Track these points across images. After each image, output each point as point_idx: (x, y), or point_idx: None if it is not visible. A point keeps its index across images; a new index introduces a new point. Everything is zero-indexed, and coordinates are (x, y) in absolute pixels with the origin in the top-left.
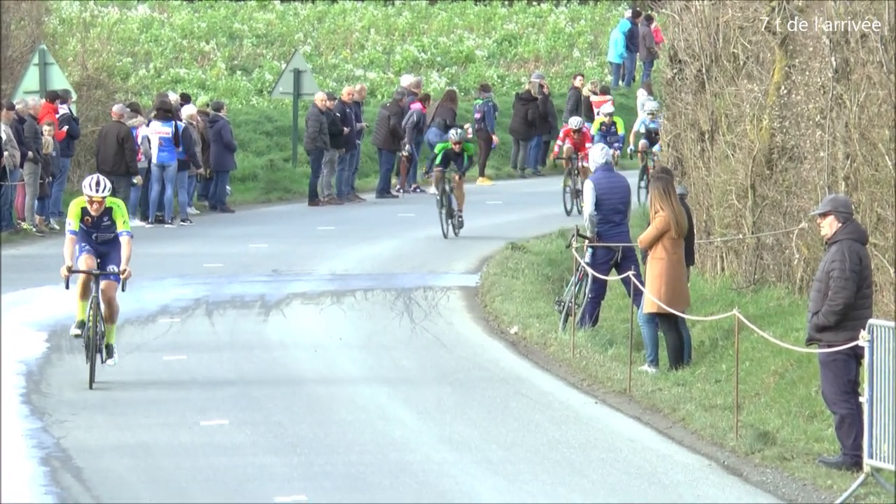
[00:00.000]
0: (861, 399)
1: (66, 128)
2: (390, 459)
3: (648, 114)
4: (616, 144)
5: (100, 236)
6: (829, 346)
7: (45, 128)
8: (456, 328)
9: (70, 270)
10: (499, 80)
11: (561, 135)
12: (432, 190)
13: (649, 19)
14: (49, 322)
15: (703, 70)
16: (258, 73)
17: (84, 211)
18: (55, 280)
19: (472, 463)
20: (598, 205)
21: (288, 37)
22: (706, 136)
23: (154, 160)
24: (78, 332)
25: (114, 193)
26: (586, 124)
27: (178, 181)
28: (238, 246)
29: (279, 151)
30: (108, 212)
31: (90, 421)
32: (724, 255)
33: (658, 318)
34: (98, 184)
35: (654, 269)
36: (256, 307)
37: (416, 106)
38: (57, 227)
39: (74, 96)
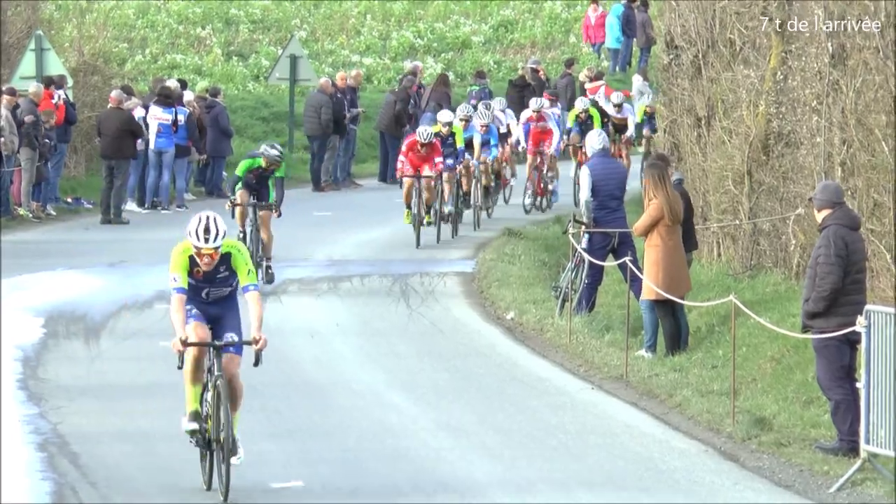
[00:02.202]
0: (858, 385)
1: (61, 101)
2: (387, 445)
3: (462, 120)
4: (449, 162)
5: (213, 292)
6: (822, 333)
7: (43, 116)
8: (453, 314)
9: (185, 344)
10: (495, 66)
11: (403, 148)
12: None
13: (646, 5)
14: (46, 308)
15: (700, 56)
16: (254, 59)
17: (193, 261)
18: (52, 266)
19: (469, 449)
20: (594, 191)
21: (284, 22)
22: (703, 122)
23: (152, 146)
24: (194, 426)
25: (112, 179)
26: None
27: (177, 167)
28: (234, 231)
29: (276, 137)
30: (226, 259)
31: (87, 407)
32: (720, 240)
33: (655, 305)
34: (208, 230)
35: (651, 256)
36: None
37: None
38: (53, 213)
39: (70, 82)
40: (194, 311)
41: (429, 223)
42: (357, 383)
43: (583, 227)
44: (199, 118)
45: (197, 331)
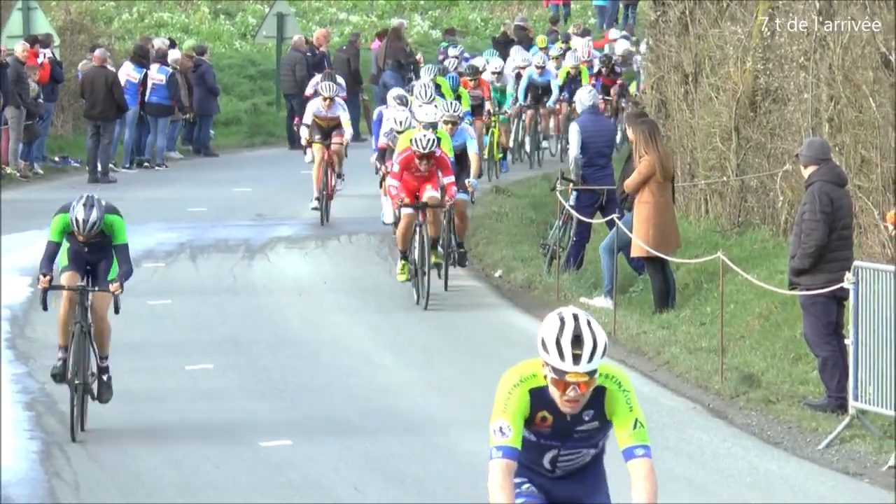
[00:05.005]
0: (846, 341)
1: (46, 59)
2: (376, 404)
3: (447, 122)
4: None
5: (564, 458)
6: (809, 290)
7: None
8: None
9: None
10: (482, 23)
11: (396, 167)
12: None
13: None
14: (33, 267)
15: (687, 12)
16: (242, 17)
17: (539, 399)
18: (39, 225)
19: (458, 407)
20: (583, 148)
21: None
22: (690, 79)
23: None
24: None
25: (98, 138)
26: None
27: (160, 126)
28: (222, 190)
29: (263, 95)
30: (597, 398)
31: None
32: (708, 197)
33: (645, 262)
34: (579, 341)
35: (641, 213)
36: (241, 251)
37: (375, 45)
38: (41, 172)
39: (57, 41)
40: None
41: (436, 264)
42: (345, 341)
43: (571, 184)
44: (186, 76)
45: None
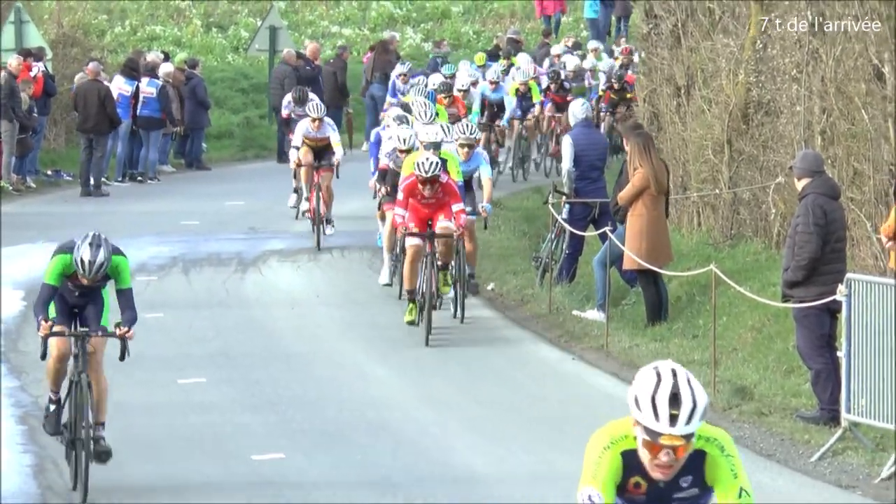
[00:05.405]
0: (839, 354)
1: (39, 73)
2: (368, 417)
3: (462, 146)
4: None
5: None
6: (802, 302)
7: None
8: None
9: None
10: (474, 36)
11: (400, 195)
12: None
13: None
14: (25, 280)
15: (679, 25)
16: (234, 31)
17: (631, 462)
18: (32, 238)
19: (451, 420)
20: (576, 161)
21: None
22: (682, 92)
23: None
24: None
25: (91, 152)
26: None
27: (151, 140)
28: (214, 203)
29: (255, 109)
30: (696, 462)
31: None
32: (700, 210)
33: (637, 274)
34: (677, 400)
35: (634, 226)
36: (233, 265)
37: (367, 58)
38: (33, 186)
39: (49, 54)
40: None
41: (444, 292)
42: (338, 355)
43: (563, 197)
44: (178, 90)
45: None
